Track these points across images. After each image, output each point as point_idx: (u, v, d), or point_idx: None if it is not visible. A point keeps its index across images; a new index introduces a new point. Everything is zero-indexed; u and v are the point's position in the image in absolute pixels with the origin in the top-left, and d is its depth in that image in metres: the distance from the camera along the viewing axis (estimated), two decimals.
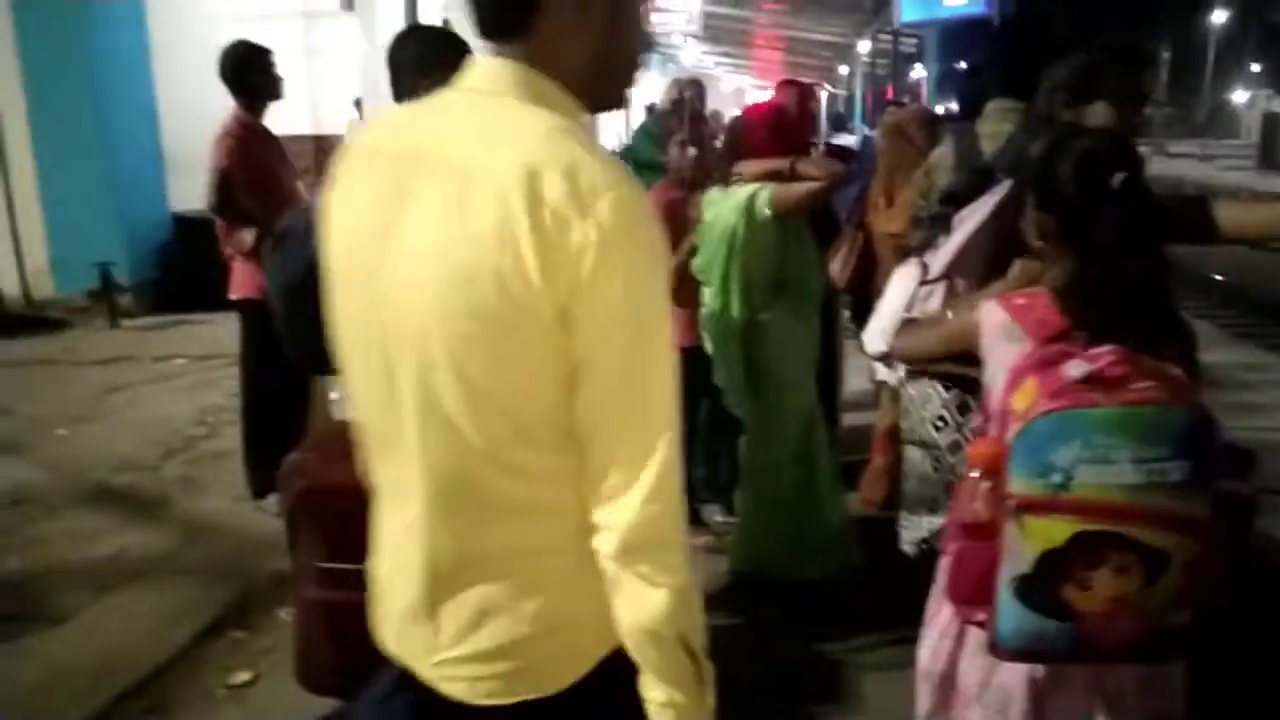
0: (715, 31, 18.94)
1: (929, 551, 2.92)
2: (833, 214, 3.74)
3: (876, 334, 2.75)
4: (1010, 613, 1.50)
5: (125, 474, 4.36)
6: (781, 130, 3.10)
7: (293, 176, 3.99)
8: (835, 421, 3.80)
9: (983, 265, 2.22)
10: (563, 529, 1.05)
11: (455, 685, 1.12)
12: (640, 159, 4.34)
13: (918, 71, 23.29)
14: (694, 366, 3.12)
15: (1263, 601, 2.11)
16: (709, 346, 3.21)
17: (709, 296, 3.16)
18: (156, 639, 2.93)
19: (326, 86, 14.56)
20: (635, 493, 0.98)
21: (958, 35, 11.40)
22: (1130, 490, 1.41)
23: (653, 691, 1.03)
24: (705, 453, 3.63)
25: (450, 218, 0.96)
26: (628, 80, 1.14)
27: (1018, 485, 1.45)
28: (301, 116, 14.50)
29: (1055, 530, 1.44)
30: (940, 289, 2.74)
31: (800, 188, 2.92)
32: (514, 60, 1.05)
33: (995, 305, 1.67)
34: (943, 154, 2.86)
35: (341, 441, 2.49)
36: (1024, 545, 1.46)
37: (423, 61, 2.53)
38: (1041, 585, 1.47)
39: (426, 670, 1.14)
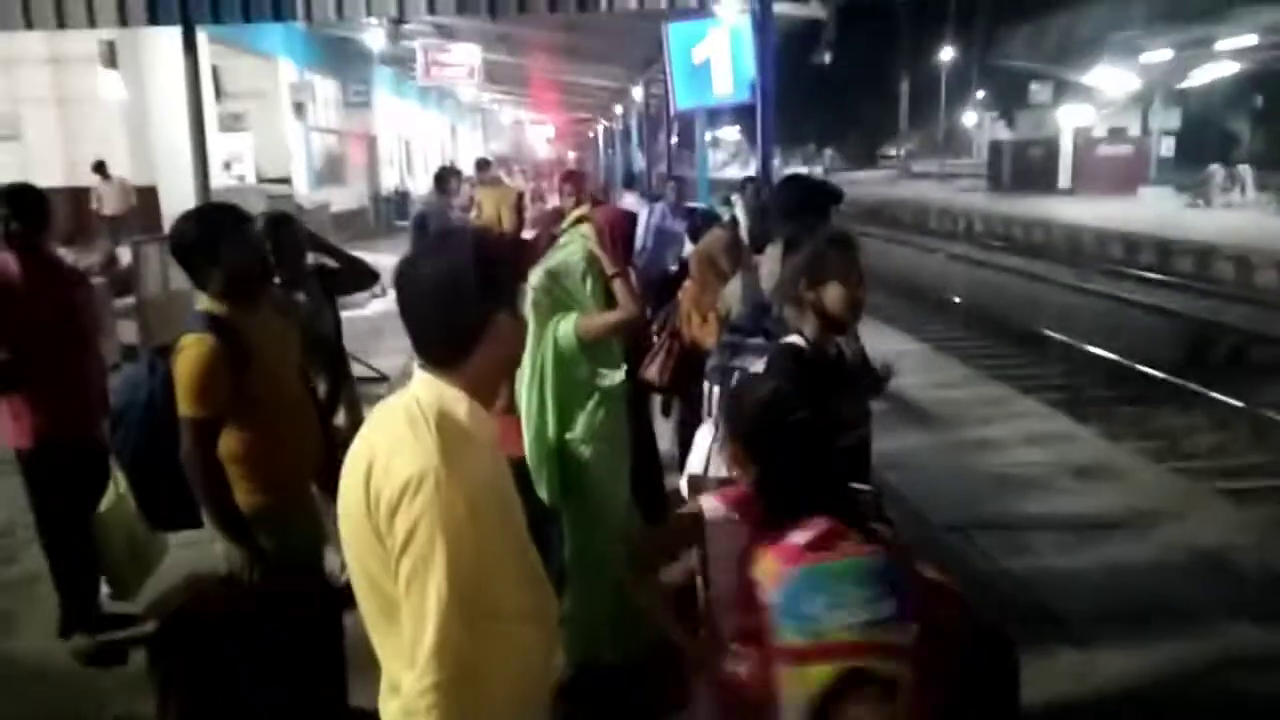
0: (494, 72, 19.19)
1: None
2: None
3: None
4: None
5: None
6: (628, 240, 3.43)
7: (61, 302, 3.65)
8: (661, 507, 4.11)
9: None
10: None
11: None
12: None
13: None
14: (524, 474, 3.41)
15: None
16: (529, 461, 3.42)
17: (524, 418, 3.39)
18: None
19: (82, 138, 13.71)
20: (417, 671, 1.44)
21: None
22: (861, 628, 1.73)
23: None
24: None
25: None
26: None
27: (788, 637, 1.73)
28: (54, 167, 13.62)
29: (819, 675, 1.73)
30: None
31: (603, 321, 3.25)
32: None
33: (713, 498, 2.05)
34: (733, 289, 3.34)
35: (201, 606, 2.62)
36: (797, 693, 1.74)
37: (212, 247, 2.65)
38: None
39: None
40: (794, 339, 2.48)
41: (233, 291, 2.66)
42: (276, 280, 4.28)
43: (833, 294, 2.43)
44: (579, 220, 3.52)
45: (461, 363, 1.55)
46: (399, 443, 1.48)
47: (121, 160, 13.34)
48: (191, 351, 2.53)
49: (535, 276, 3.37)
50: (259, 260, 2.76)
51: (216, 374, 2.52)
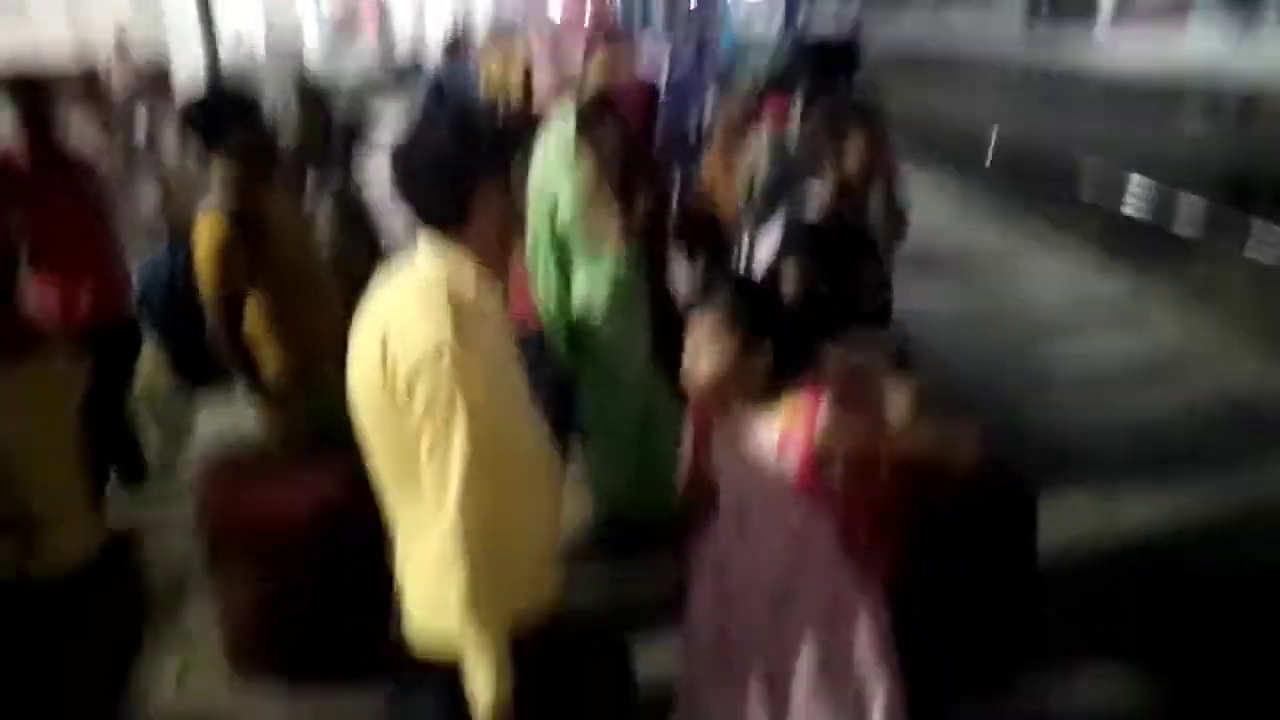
0: None
1: None
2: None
3: None
4: None
5: None
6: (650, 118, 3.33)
7: (71, 189, 3.57)
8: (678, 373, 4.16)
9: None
10: None
11: None
12: None
13: None
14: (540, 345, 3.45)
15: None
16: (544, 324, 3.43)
17: (535, 281, 3.38)
18: None
19: (87, 10, 13.37)
20: (446, 519, 1.52)
21: None
22: None
23: None
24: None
25: None
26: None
27: None
28: (62, 43, 13.36)
29: None
30: None
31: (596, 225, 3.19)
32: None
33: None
34: (759, 150, 3.26)
35: (246, 470, 2.71)
36: None
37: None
38: None
39: None
40: (810, 202, 2.44)
41: (245, 171, 2.70)
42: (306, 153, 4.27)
43: (852, 151, 2.39)
44: (598, 99, 3.39)
45: (457, 233, 1.58)
46: (413, 316, 1.52)
47: (130, 34, 13.04)
48: (209, 231, 2.61)
49: (539, 142, 3.31)
50: (270, 140, 2.81)
51: (234, 251, 2.59)
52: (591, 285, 3.34)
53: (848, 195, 2.44)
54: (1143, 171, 10.33)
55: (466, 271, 1.58)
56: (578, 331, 3.40)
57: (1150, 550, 3.41)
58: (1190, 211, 8.79)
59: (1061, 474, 3.77)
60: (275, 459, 2.74)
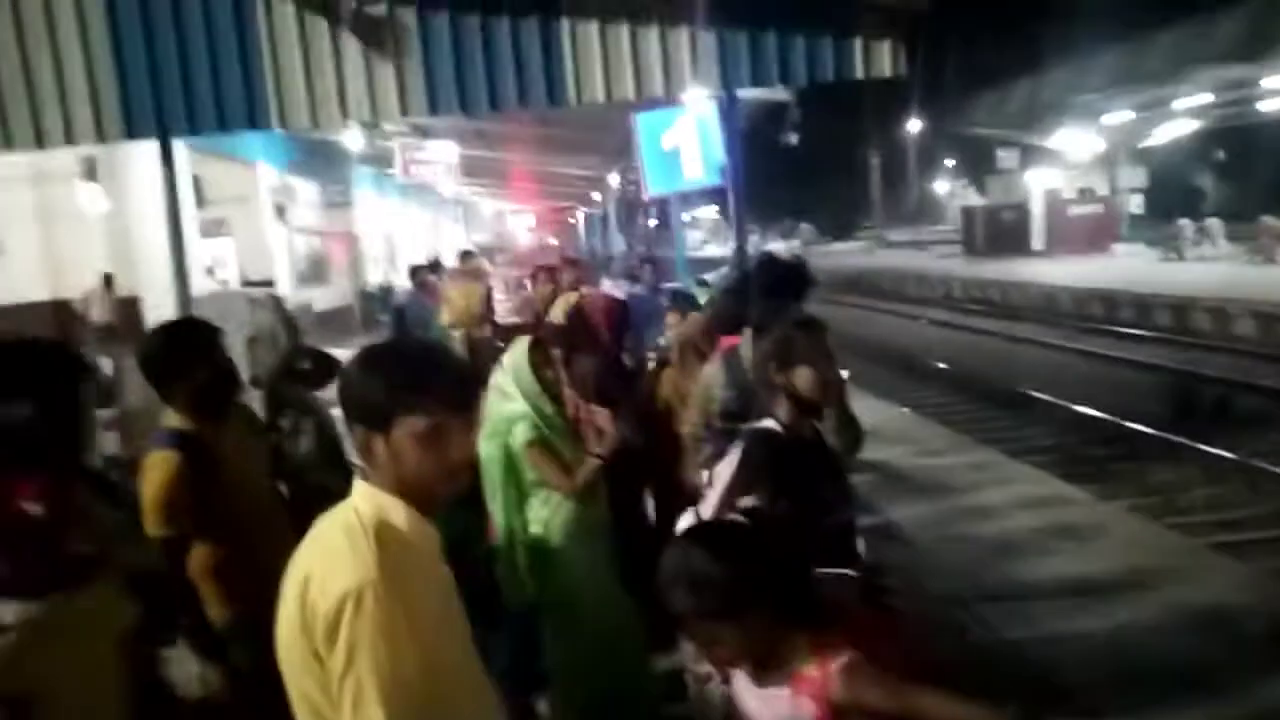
0: (472, 166, 19.54)
1: None
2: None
3: None
4: None
5: None
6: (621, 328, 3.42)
7: None
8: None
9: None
10: None
11: None
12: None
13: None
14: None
15: None
16: (502, 556, 3.37)
17: (494, 513, 3.35)
18: None
19: (67, 251, 13.80)
20: None
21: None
22: None
23: None
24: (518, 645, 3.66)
25: None
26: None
27: None
28: (39, 280, 13.66)
29: None
30: None
31: (549, 475, 3.23)
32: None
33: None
34: (713, 374, 3.33)
35: None
36: None
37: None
38: None
39: None
40: (768, 423, 2.47)
41: (200, 406, 2.65)
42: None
43: (803, 377, 2.44)
44: (574, 320, 3.54)
45: (378, 467, 1.52)
46: (335, 556, 1.45)
47: (104, 270, 13.45)
48: (156, 471, 2.52)
49: (497, 372, 3.37)
50: (227, 374, 2.75)
51: (181, 493, 2.50)
52: (550, 513, 3.29)
53: (803, 414, 2.47)
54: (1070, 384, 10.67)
55: (398, 507, 1.51)
56: (535, 560, 3.31)
57: None
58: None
59: (1047, 699, 3.64)
60: (214, 714, 2.56)
